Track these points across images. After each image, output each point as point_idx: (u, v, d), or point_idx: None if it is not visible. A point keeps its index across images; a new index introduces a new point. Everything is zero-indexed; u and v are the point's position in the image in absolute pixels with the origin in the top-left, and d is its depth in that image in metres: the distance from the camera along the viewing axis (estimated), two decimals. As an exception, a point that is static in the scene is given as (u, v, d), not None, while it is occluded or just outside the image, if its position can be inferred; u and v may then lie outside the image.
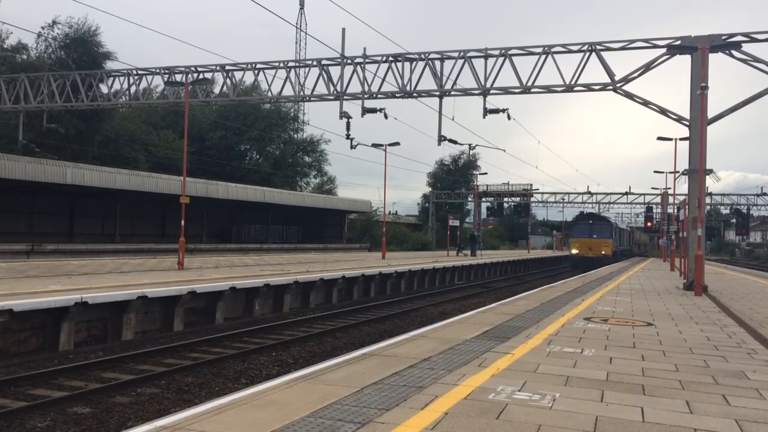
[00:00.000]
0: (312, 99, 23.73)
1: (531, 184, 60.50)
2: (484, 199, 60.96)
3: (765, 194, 58.51)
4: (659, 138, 30.25)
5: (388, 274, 23.63)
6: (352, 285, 21.54)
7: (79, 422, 7.58)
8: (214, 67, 24.04)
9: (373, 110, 23.01)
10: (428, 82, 22.05)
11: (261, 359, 11.47)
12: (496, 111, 22.34)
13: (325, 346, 13.10)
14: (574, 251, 43.59)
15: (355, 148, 26.48)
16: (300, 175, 61.45)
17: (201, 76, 23.87)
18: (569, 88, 20.37)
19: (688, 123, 18.00)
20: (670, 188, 37.87)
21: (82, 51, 37.92)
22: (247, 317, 16.37)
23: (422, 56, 21.87)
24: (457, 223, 46.48)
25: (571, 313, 11.16)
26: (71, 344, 11.58)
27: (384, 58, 22.07)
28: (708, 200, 55.09)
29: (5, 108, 27.39)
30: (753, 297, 16.54)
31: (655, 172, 55.57)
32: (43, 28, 39.03)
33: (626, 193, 59.70)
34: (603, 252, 41.34)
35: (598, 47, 19.97)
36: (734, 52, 17.67)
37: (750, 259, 75.20)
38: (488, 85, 21.10)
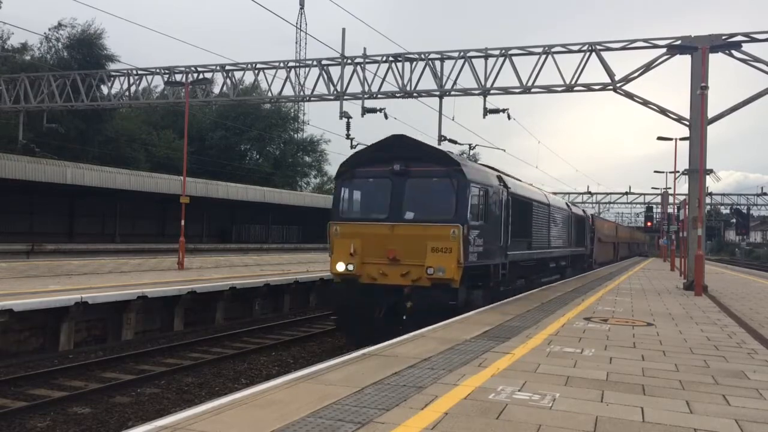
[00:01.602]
0: (312, 99, 23.73)
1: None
2: (484, 199, 60.74)
3: (765, 194, 58.52)
4: (659, 138, 30.27)
5: (388, 274, 23.57)
6: (352, 285, 21.49)
7: (79, 422, 7.58)
8: (214, 67, 24.03)
9: (373, 110, 22.97)
10: (428, 82, 22.07)
11: (261, 359, 11.48)
12: (496, 111, 22.32)
13: (325, 346, 13.11)
14: (340, 268, 12.56)
15: (355, 148, 26.41)
16: (300, 175, 61.50)
17: (201, 76, 23.89)
18: (569, 88, 20.36)
19: (688, 123, 18.00)
20: (670, 188, 37.96)
21: (86, 52, 37.99)
22: (247, 317, 16.37)
23: (422, 56, 21.86)
24: (457, 223, 46.20)
25: (571, 313, 11.15)
26: (71, 344, 11.58)
27: (384, 58, 22.05)
28: (708, 200, 55.08)
29: (5, 108, 27.40)
30: (753, 297, 16.53)
31: (655, 172, 55.55)
32: (49, 29, 39.19)
33: (626, 193, 59.78)
34: (433, 268, 11.14)
35: (598, 47, 19.96)
36: (734, 52, 17.66)
37: (750, 259, 75.16)
38: (488, 85, 21.10)
